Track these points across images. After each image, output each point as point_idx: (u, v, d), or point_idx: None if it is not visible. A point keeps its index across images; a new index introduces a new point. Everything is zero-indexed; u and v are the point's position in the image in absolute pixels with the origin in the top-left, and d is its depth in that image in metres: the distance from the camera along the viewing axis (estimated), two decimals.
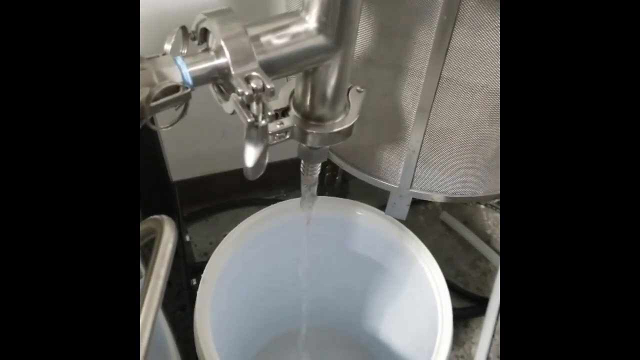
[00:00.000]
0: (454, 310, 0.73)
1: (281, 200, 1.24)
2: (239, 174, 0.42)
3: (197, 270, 0.93)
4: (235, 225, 0.79)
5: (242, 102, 0.38)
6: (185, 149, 1.07)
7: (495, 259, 1.15)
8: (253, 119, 0.38)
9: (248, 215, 0.80)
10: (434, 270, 0.76)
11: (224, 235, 0.78)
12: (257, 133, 0.39)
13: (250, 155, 0.40)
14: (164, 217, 0.33)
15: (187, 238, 0.96)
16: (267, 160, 0.42)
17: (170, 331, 0.68)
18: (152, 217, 0.34)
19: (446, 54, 0.56)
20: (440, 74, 0.58)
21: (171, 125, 0.38)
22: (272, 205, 0.80)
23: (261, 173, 0.42)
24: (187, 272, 0.87)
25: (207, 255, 1.14)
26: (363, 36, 0.58)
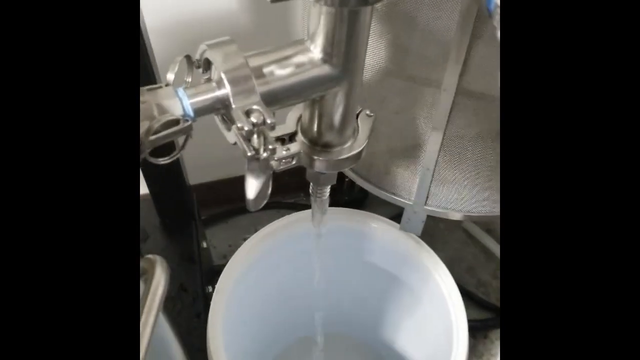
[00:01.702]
0: (474, 321, 0.72)
1: (300, 204, 1.23)
2: None
3: (216, 273, 0.93)
4: (255, 228, 0.80)
5: (242, 136, 0.37)
6: (202, 153, 1.08)
7: None
8: (254, 152, 0.37)
9: (267, 219, 0.80)
10: (450, 285, 0.75)
11: (244, 239, 0.79)
12: (258, 165, 0.39)
13: (252, 187, 0.40)
14: (157, 257, 0.33)
15: (204, 244, 0.96)
16: (270, 190, 0.42)
17: (175, 338, 0.68)
18: (145, 256, 0.33)
19: (461, 72, 0.54)
20: (456, 91, 0.56)
21: (170, 159, 0.38)
22: (286, 216, 0.80)
23: (263, 204, 0.42)
24: (202, 279, 0.87)
25: (225, 258, 1.15)
26: (376, 53, 0.57)
